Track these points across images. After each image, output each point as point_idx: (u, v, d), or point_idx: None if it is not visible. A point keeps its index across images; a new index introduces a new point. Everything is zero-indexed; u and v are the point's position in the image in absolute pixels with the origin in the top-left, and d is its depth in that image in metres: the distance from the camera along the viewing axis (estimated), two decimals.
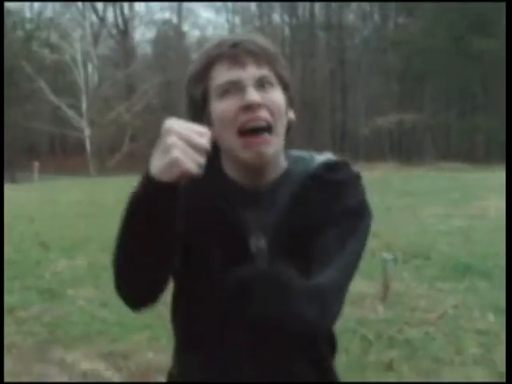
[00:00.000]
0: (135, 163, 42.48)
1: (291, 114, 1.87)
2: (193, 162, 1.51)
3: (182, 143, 1.52)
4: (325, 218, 1.77)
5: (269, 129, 1.74)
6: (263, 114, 1.74)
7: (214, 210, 1.81)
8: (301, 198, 1.80)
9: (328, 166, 1.86)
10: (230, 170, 1.84)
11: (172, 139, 1.52)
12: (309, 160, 1.89)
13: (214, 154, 1.76)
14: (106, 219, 14.40)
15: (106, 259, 9.69)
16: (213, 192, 1.82)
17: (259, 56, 1.78)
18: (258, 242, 1.79)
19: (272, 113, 1.75)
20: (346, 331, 5.95)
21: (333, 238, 1.75)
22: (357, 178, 1.86)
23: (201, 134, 1.54)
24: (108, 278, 7.35)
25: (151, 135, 43.65)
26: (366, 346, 5.84)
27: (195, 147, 1.51)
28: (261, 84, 1.76)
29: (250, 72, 1.76)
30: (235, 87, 1.75)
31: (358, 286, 7.18)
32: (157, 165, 1.55)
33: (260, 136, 1.73)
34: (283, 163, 1.86)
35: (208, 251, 1.78)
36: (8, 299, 7.57)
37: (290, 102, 1.86)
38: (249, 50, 1.78)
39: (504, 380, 3.40)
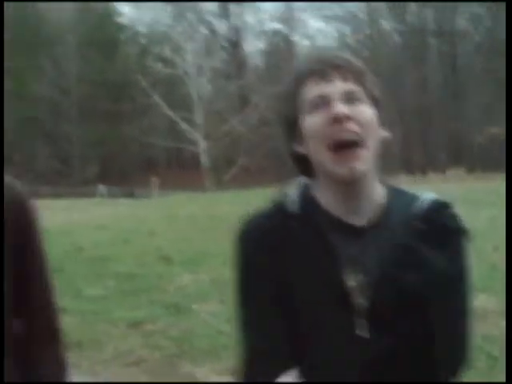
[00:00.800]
0: (250, 177, 42.87)
1: (383, 132, 1.83)
2: None
3: None
4: (435, 275, 1.74)
5: (358, 142, 1.73)
6: (351, 126, 1.73)
7: (313, 246, 1.78)
8: (408, 246, 1.77)
9: (437, 207, 1.82)
10: (324, 199, 1.83)
11: None
12: (412, 197, 1.85)
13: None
14: (225, 233, 14.57)
15: (228, 274, 9.86)
16: (311, 228, 1.80)
17: (346, 71, 1.79)
18: (357, 278, 1.75)
19: (361, 125, 1.74)
20: (473, 348, 5.81)
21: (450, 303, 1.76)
22: (464, 229, 1.81)
23: None
24: (232, 293, 7.36)
25: (265, 148, 43.97)
26: (492, 363, 5.69)
27: None
28: (349, 98, 1.76)
29: (338, 86, 1.77)
30: (323, 102, 1.76)
31: (480, 300, 7.02)
32: None
33: (350, 150, 1.71)
34: (381, 197, 1.83)
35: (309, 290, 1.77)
36: (135, 313, 7.76)
37: (381, 120, 1.83)
38: (336, 64, 1.79)
39: None
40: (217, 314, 7.74)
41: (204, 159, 42.58)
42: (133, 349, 6.35)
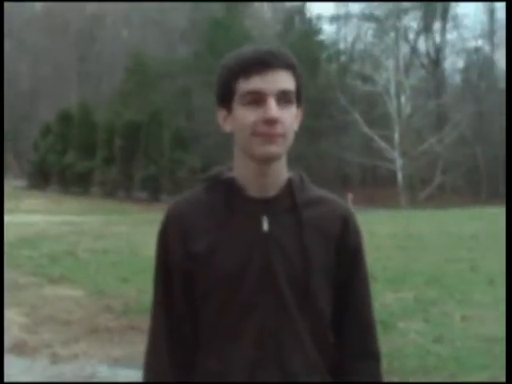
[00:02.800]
0: (445, 196, 42.07)
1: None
2: None
3: None
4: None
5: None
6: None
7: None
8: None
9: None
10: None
11: None
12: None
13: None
14: (424, 253, 14.46)
15: (432, 293, 9.78)
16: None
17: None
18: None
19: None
20: None
21: None
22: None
23: None
24: (437, 312, 7.38)
25: (463, 168, 43.02)
26: None
27: None
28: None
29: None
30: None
31: None
32: None
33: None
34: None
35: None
36: None
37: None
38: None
39: None
40: (423, 333, 7.69)
41: (399, 177, 42.24)
42: None
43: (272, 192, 2.01)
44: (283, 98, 1.91)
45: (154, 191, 42.76)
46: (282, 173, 2.03)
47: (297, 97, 1.97)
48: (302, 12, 52.94)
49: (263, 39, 42.42)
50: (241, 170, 2.03)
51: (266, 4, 58.72)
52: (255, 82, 1.90)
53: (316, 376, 2.01)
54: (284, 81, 1.91)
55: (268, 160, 1.95)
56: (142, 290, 10.02)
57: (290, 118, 1.93)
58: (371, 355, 2.10)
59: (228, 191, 2.02)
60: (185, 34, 54.40)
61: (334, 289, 2.05)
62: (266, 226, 1.99)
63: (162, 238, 2.06)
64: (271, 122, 1.88)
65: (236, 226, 1.99)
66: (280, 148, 1.93)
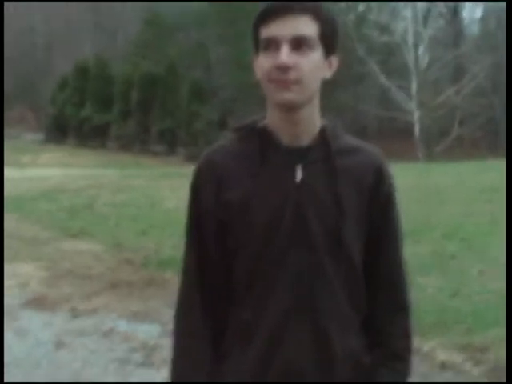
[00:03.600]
0: (464, 148, 41.83)
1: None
2: None
3: None
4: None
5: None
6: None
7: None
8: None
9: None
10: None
11: None
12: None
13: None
14: (442, 206, 14.42)
15: (450, 247, 9.77)
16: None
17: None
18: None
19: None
20: None
21: None
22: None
23: None
24: (455, 266, 7.37)
25: (481, 119, 42.68)
26: None
27: None
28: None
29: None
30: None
31: None
32: None
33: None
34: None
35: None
36: None
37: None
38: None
39: None
40: (441, 287, 7.71)
41: (417, 129, 41.98)
42: None
43: (305, 141, 2.02)
44: (300, 43, 1.90)
45: (170, 144, 42.70)
46: (313, 120, 2.03)
47: (324, 43, 1.95)
48: None
49: None
50: (272, 120, 2.03)
51: None
52: (271, 29, 1.91)
53: (348, 331, 2.04)
54: (300, 26, 1.90)
55: (286, 107, 1.96)
56: (161, 243, 10.09)
57: (308, 64, 1.92)
58: (402, 307, 2.13)
59: (261, 141, 2.03)
60: None
61: (366, 240, 2.07)
62: (299, 175, 2.00)
63: (194, 188, 2.09)
64: (283, 68, 1.89)
65: (270, 175, 2.01)
66: (296, 95, 1.93)
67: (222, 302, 2.06)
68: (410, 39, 42.93)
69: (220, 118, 39.19)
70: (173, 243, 9.64)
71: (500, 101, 43.63)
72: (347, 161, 2.04)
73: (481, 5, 55.72)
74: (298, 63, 1.89)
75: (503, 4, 54.35)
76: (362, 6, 52.18)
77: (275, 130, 2.02)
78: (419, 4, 44.96)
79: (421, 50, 44.38)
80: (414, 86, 42.00)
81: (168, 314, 6.49)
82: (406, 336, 2.13)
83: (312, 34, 1.92)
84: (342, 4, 48.92)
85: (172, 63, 43.15)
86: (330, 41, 1.97)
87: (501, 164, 26.98)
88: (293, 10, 1.89)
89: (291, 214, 1.98)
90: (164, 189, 17.27)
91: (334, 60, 2.02)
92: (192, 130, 40.01)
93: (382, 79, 41.88)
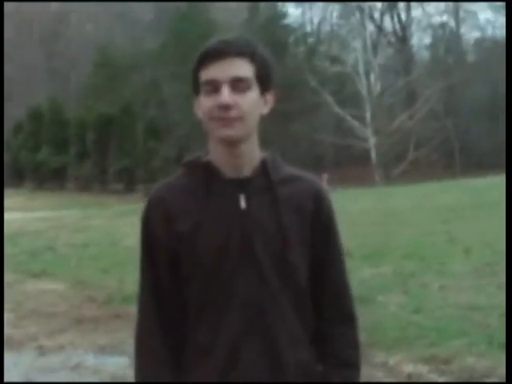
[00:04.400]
0: (420, 171, 42.36)
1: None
2: None
3: None
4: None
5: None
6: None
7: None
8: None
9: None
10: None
11: None
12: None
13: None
14: (401, 227, 14.63)
15: (410, 266, 9.94)
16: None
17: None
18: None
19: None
20: None
21: None
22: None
23: None
24: (415, 284, 7.50)
25: (435, 142, 43.29)
26: None
27: None
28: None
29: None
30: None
31: None
32: None
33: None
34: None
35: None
36: None
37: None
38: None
39: None
40: (402, 304, 7.84)
41: (373, 155, 42.48)
42: None
43: (247, 172, 2.13)
44: (238, 84, 2.03)
45: (129, 182, 42.72)
46: (253, 153, 2.15)
47: (260, 82, 2.09)
48: None
49: (229, 27, 42.38)
50: (215, 154, 2.15)
51: None
52: (210, 72, 2.04)
53: (298, 345, 2.15)
54: (238, 69, 2.04)
55: (228, 142, 2.08)
56: (124, 279, 10.08)
57: (247, 102, 2.05)
58: (348, 319, 2.25)
59: (205, 174, 2.14)
60: (151, 26, 54.21)
61: (310, 261, 2.18)
62: (243, 204, 2.11)
63: (145, 222, 2.18)
64: (224, 107, 2.02)
65: (215, 206, 2.11)
66: (237, 131, 2.06)
67: (179, 324, 2.15)
68: (361, 68, 43.61)
69: (177, 155, 39.27)
70: (135, 279, 9.65)
71: (453, 123, 44.35)
72: (288, 189, 2.16)
73: (429, 32, 56.75)
74: (237, 102, 2.03)
75: (450, 30, 55.26)
76: (311, 39, 52.91)
77: (218, 163, 2.14)
78: (368, 34, 45.78)
79: (372, 78, 45.04)
80: (367, 114, 42.58)
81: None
82: (355, 345, 2.25)
83: (249, 75, 2.06)
84: (293, 37, 49.54)
85: (126, 103, 43.25)
86: (265, 80, 2.11)
87: (456, 184, 27.35)
88: (231, 54, 2.04)
89: (238, 242, 2.09)
90: (124, 226, 17.25)
91: (270, 97, 2.16)
92: (149, 167, 40.06)
93: (336, 108, 42.37)
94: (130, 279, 9.99)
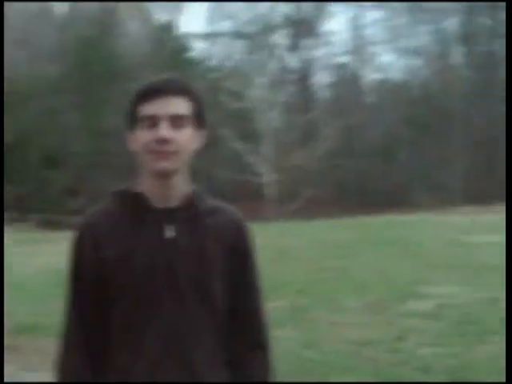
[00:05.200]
0: (317, 208, 42.93)
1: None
2: None
3: None
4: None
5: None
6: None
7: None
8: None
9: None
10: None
11: None
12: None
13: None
14: (295, 263, 14.74)
15: (303, 302, 10.03)
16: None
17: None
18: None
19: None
20: None
21: None
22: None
23: None
24: (307, 319, 7.54)
25: (332, 180, 44.06)
26: None
27: None
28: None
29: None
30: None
31: None
32: None
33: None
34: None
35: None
36: None
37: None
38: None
39: None
40: (294, 339, 7.91)
41: (270, 191, 42.88)
42: None
43: (174, 203, 2.28)
44: (176, 120, 2.19)
45: (22, 211, 41.76)
46: (183, 185, 2.31)
47: (195, 119, 2.27)
48: (170, 30, 52.93)
49: (134, 58, 42.29)
50: (146, 185, 2.28)
51: (137, 21, 58.44)
52: (150, 108, 2.20)
53: (215, 368, 2.29)
54: (176, 106, 2.21)
55: (162, 174, 2.23)
56: (15, 310, 9.81)
57: (183, 137, 2.22)
58: (261, 345, 2.41)
59: (135, 203, 2.27)
60: (53, 54, 53.49)
61: (229, 288, 2.33)
62: (169, 232, 2.24)
63: (74, 247, 2.28)
64: (162, 141, 2.17)
65: (142, 234, 2.23)
66: (172, 164, 2.21)
67: (102, 349, 2.24)
68: (263, 105, 44.09)
69: (72, 185, 38.75)
70: (26, 309, 9.46)
71: (350, 162, 45.29)
72: (212, 220, 2.32)
73: (331, 71, 57.89)
74: (175, 137, 2.19)
75: (351, 70, 56.44)
76: (215, 74, 53.23)
77: (148, 193, 2.26)
78: (270, 71, 46.44)
79: (273, 115, 45.60)
80: (267, 150, 43.03)
81: (26, 377, 6.37)
82: (266, 368, 2.40)
83: (186, 113, 2.23)
84: (196, 71, 49.72)
85: (21, 130, 42.48)
86: (200, 118, 2.29)
87: (352, 222, 27.77)
88: (171, 92, 2.20)
89: (162, 269, 2.21)
90: (19, 255, 16.84)
91: (203, 133, 2.34)
92: (43, 196, 39.33)
93: (236, 144, 42.69)
94: (22, 309, 9.76)
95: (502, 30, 46.53)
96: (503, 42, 48.35)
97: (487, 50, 50.19)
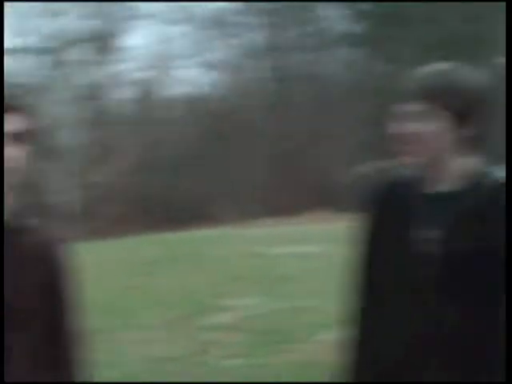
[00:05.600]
0: (122, 226, 42.47)
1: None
2: None
3: None
4: None
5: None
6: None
7: None
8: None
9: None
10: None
11: None
12: None
13: None
14: (95, 281, 14.32)
15: (102, 321, 9.78)
16: None
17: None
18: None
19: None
20: None
21: None
22: None
23: None
24: (107, 339, 7.36)
25: (130, 197, 43.70)
26: None
27: None
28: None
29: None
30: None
31: None
32: None
33: None
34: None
35: None
36: None
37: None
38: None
39: None
40: (95, 362, 7.69)
41: (67, 209, 42.03)
42: None
43: None
44: (15, 137, 2.22)
45: None
46: None
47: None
48: None
49: None
50: None
51: None
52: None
53: None
54: (11, 122, 2.21)
55: None
56: None
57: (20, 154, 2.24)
58: (58, 365, 2.41)
59: None
60: None
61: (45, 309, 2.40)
62: None
63: None
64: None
65: None
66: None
67: None
68: (64, 121, 43.33)
69: None
70: None
71: (153, 178, 45.27)
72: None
73: (131, 87, 57.41)
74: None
75: (154, 84, 56.35)
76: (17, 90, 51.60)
77: None
78: (71, 87, 45.72)
79: (69, 131, 44.85)
80: (66, 167, 42.26)
81: None
82: None
83: (20, 129, 2.25)
84: None
85: None
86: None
87: (156, 238, 27.73)
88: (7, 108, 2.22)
89: None
90: None
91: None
92: None
93: (35, 161, 41.48)
94: None
95: (303, 43, 48.37)
96: (303, 55, 50.13)
97: (289, 64, 51.76)
